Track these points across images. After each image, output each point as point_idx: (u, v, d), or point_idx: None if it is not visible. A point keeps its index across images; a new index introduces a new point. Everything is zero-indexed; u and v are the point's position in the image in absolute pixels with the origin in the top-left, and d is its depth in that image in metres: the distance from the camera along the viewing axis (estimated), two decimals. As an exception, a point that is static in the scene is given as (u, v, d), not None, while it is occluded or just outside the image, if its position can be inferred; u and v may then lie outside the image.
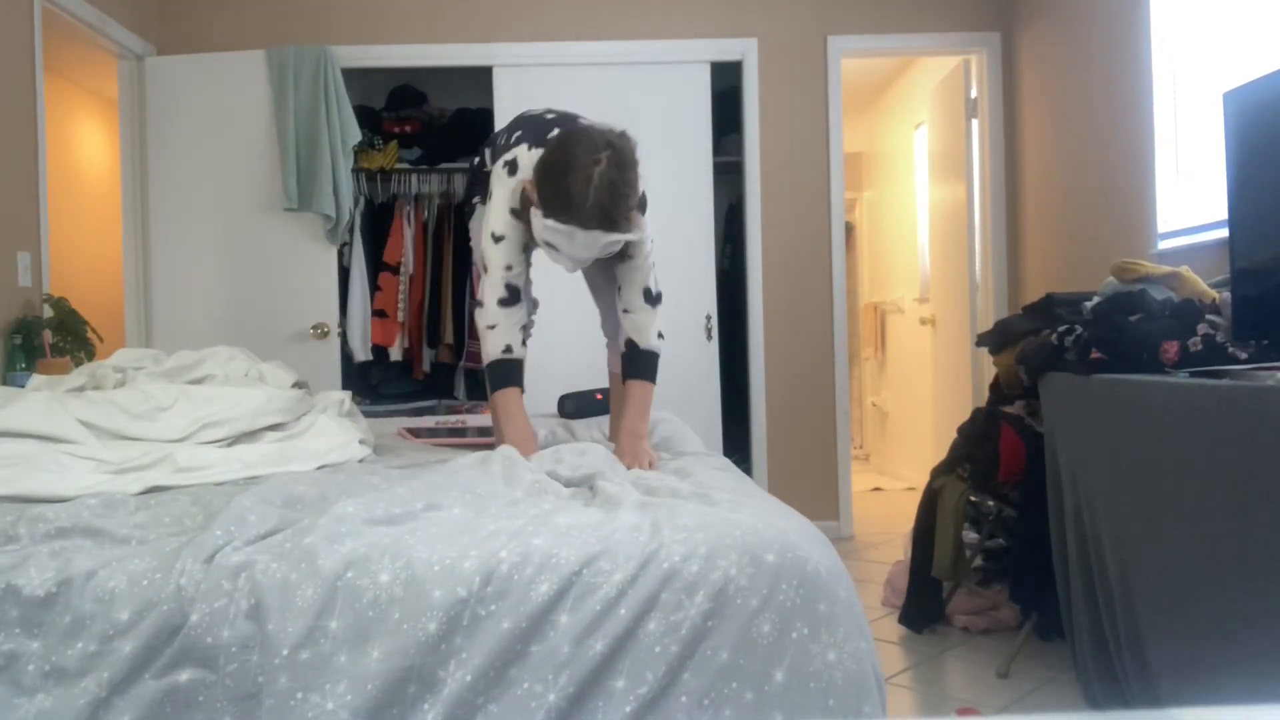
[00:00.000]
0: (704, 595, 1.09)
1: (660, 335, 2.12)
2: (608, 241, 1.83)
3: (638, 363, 2.10)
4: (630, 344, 2.11)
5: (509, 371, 2.04)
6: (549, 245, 1.86)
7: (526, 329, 2.11)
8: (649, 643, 1.08)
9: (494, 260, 2.02)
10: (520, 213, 2.00)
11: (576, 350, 3.84)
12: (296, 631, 1.08)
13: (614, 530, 1.20)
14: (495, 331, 2.03)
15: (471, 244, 2.38)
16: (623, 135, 1.85)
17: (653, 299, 2.10)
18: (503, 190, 2.01)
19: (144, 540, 1.21)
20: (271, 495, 1.34)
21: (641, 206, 1.98)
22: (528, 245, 2.07)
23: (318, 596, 1.09)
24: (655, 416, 2.43)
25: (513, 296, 2.04)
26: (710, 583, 1.10)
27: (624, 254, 2.04)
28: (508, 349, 2.04)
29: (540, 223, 1.83)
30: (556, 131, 1.95)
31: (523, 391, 2.06)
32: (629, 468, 1.80)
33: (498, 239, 2.01)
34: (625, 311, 2.10)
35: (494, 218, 2.02)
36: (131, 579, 1.13)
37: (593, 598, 1.10)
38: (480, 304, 2.07)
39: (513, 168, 2.00)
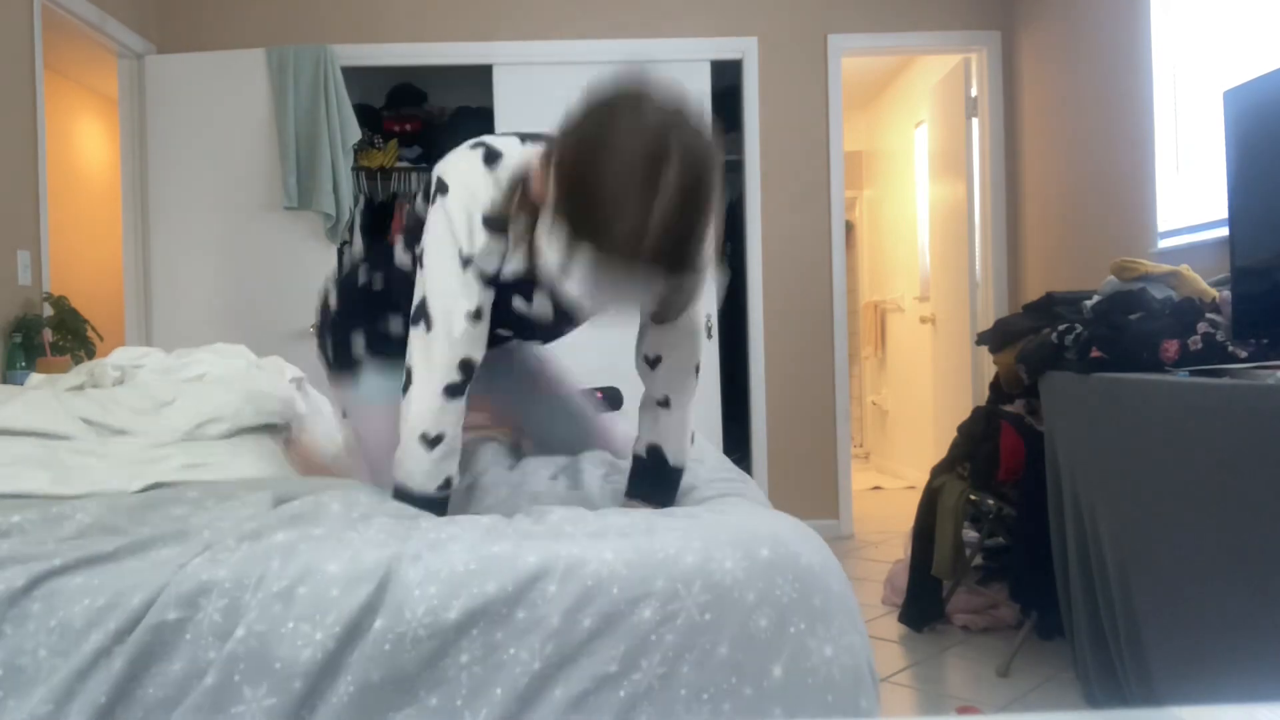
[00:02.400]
0: (701, 586, 1.10)
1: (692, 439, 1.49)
2: (670, 289, 1.16)
3: (660, 483, 1.43)
4: (654, 452, 1.43)
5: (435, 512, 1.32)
6: (567, 281, 1.13)
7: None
8: (644, 630, 1.08)
9: (446, 306, 1.26)
10: (504, 219, 1.26)
11: (575, 346, 3.84)
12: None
13: (606, 528, 1.20)
14: (436, 449, 1.28)
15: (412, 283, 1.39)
16: (695, 110, 1.12)
17: (697, 379, 1.45)
18: (470, 183, 1.27)
19: (145, 539, 1.21)
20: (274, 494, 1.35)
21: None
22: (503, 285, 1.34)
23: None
24: None
25: (465, 378, 1.29)
26: (707, 574, 1.10)
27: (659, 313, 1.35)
28: (446, 484, 1.32)
29: (563, 244, 1.11)
30: (581, 96, 1.14)
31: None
32: None
33: (465, 261, 1.26)
34: (658, 403, 1.43)
35: (453, 226, 1.26)
36: (136, 574, 1.13)
37: (583, 571, 1.10)
38: (409, 386, 1.29)
39: (491, 155, 1.29)
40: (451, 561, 1.11)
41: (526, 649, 1.07)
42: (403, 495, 1.32)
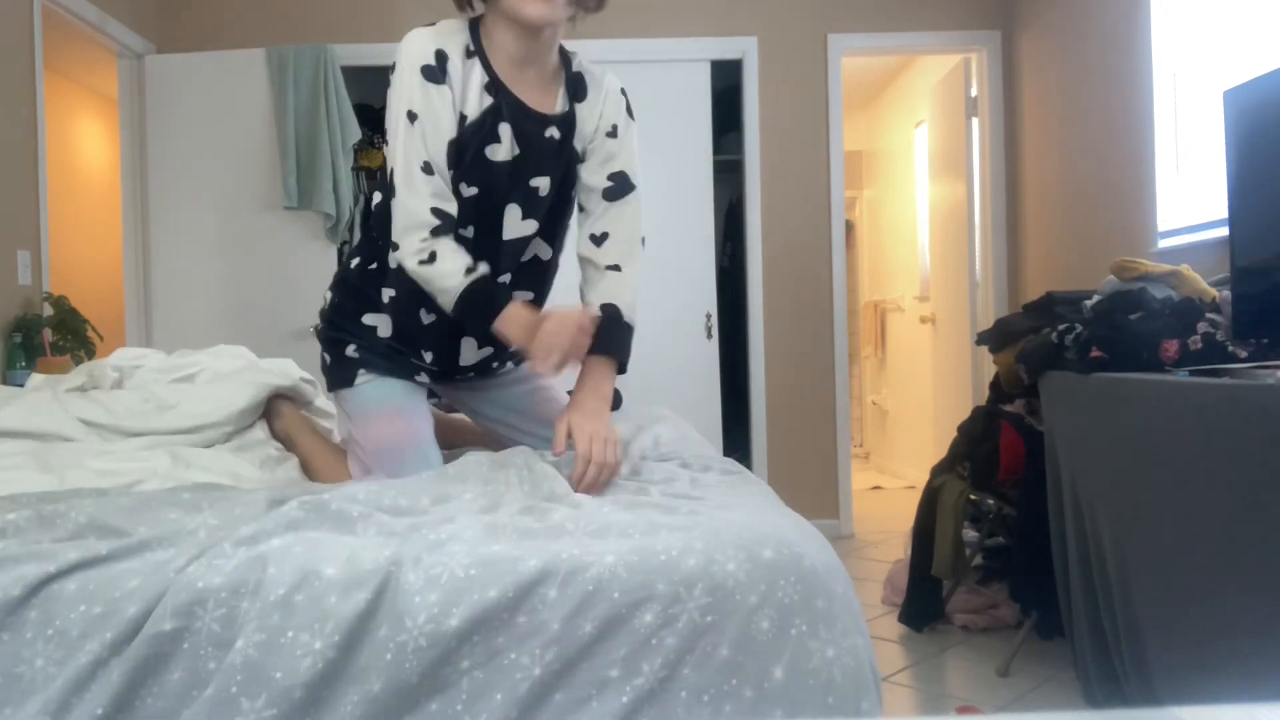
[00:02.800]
0: (702, 589, 1.09)
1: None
2: None
3: (614, 336, 1.54)
4: (609, 310, 1.56)
5: (493, 295, 1.46)
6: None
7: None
8: (645, 634, 1.07)
9: (404, 155, 1.43)
10: (442, 64, 1.44)
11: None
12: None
13: (607, 527, 1.20)
14: (440, 260, 1.43)
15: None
16: None
17: (641, 247, 1.61)
18: (412, 46, 1.46)
19: (141, 540, 1.21)
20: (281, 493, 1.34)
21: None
22: (465, 145, 1.48)
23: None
24: (656, 413, 2.05)
25: (445, 222, 1.45)
26: (709, 576, 1.10)
27: (613, 189, 1.57)
28: (470, 268, 1.45)
29: None
30: None
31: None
32: (585, 453, 1.40)
33: (412, 118, 1.43)
34: (609, 268, 1.58)
35: (401, 86, 1.44)
36: (141, 572, 1.13)
37: (584, 576, 1.09)
38: (395, 247, 1.46)
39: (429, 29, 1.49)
40: (451, 565, 1.11)
41: (527, 654, 1.06)
42: (464, 295, 1.43)
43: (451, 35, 1.50)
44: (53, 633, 1.09)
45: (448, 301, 1.46)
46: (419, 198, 1.43)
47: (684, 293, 4.25)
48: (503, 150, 1.52)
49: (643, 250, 1.61)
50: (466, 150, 1.49)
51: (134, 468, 1.62)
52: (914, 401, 5.91)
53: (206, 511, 1.26)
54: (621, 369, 1.54)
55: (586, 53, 1.64)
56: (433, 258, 1.43)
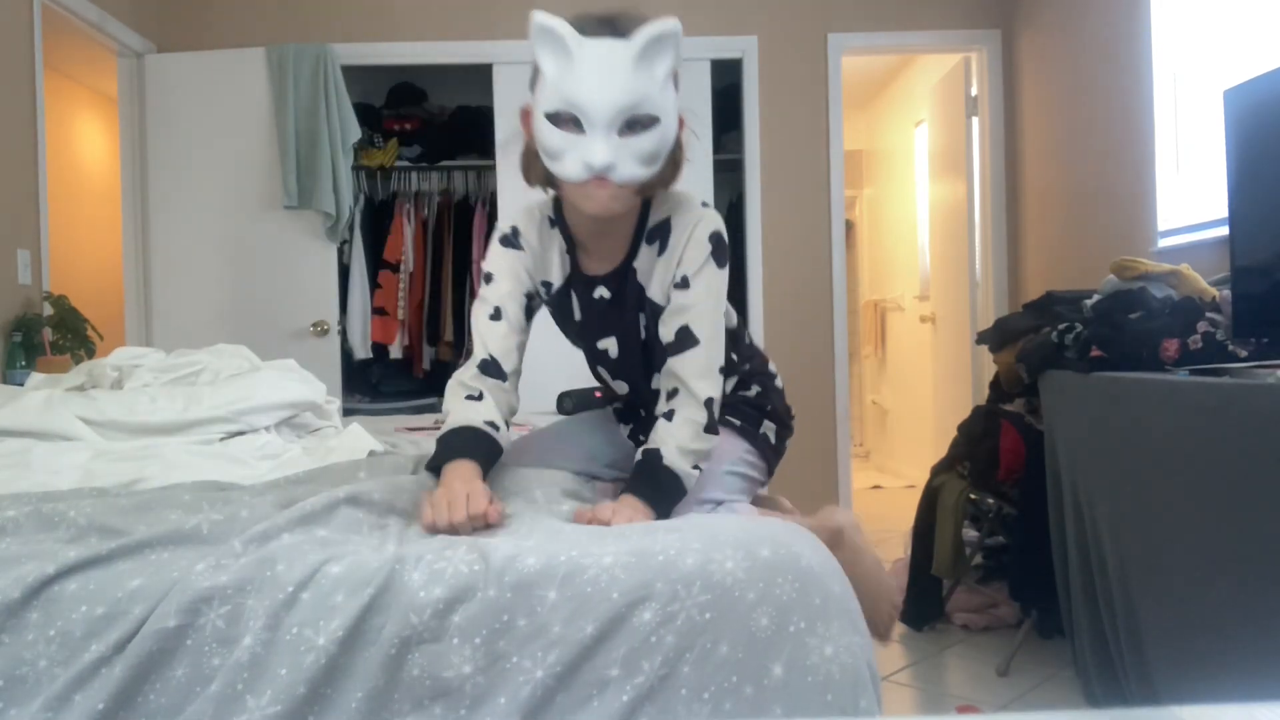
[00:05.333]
0: (701, 587, 1.09)
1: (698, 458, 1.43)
2: (630, 67, 1.30)
3: (648, 478, 1.40)
4: (650, 454, 1.41)
5: (472, 443, 1.40)
6: (553, 144, 1.33)
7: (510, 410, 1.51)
8: (644, 632, 1.08)
9: (478, 304, 1.52)
10: (515, 235, 1.51)
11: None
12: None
13: (604, 532, 1.20)
14: (469, 401, 1.45)
15: None
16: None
17: (709, 384, 1.43)
18: (498, 226, 1.56)
19: (142, 540, 1.21)
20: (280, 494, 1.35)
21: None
22: (532, 303, 1.56)
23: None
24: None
25: (493, 368, 1.47)
26: (707, 575, 1.10)
27: (674, 345, 1.44)
28: (469, 421, 1.42)
29: (539, 99, 1.35)
30: None
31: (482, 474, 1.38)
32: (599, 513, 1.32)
33: (488, 279, 1.52)
34: (663, 415, 1.44)
35: (488, 257, 1.55)
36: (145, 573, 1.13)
37: (582, 577, 1.10)
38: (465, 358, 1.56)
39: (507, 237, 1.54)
40: (455, 562, 1.11)
41: (529, 657, 1.07)
42: (446, 434, 1.44)
43: (531, 211, 1.55)
44: (54, 633, 1.09)
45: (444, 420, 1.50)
46: (481, 341, 1.51)
47: (684, 292, 4.24)
48: (577, 313, 1.58)
49: (713, 384, 1.44)
50: (558, 313, 1.60)
51: (133, 467, 1.62)
52: (914, 401, 5.91)
53: (208, 511, 1.25)
54: (661, 513, 1.38)
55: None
56: (472, 393, 1.47)
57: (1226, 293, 2.14)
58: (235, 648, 1.07)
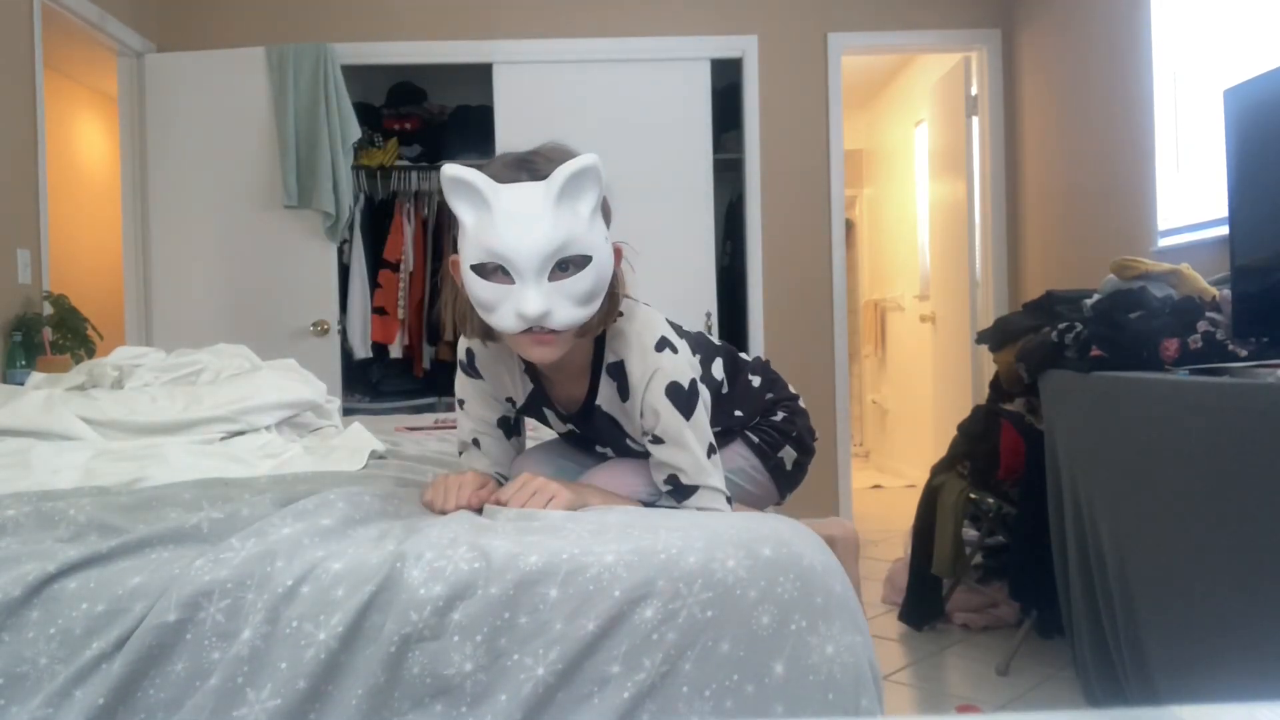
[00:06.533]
0: (702, 585, 1.09)
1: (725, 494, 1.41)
2: (550, 209, 1.23)
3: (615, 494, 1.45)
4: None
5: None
6: (484, 297, 1.27)
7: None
8: (646, 629, 1.08)
9: (459, 433, 1.58)
10: (470, 360, 1.50)
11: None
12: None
13: (606, 526, 1.20)
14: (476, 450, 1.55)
15: None
16: None
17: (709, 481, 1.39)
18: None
19: (142, 538, 1.21)
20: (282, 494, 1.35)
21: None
22: (511, 416, 1.58)
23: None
24: None
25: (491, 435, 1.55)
26: (709, 573, 1.10)
27: (653, 440, 1.39)
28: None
29: (463, 252, 1.29)
30: None
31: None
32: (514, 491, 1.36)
33: (461, 404, 1.55)
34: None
35: (456, 382, 1.56)
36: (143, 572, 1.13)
37: (584, 576, 1.10)
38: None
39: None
40: (456, 561, 1.11)
41: (531, 655, 1.07)
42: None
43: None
44: (55, 631, 1.09)
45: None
46: (472, 463, 1.55)
47: (684, 292, 4.24)
48: (559, 426, 1.58)
49: (718, 499, 1.40)
50: (539, 419, 1.60)
51: (133, 466, 1.62)
52: (914, 400, 5.91)
53: (208, 509, 1.26)
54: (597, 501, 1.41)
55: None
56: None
57: (1226, 292, 2.14)
58: (235, 641, 1.07)
